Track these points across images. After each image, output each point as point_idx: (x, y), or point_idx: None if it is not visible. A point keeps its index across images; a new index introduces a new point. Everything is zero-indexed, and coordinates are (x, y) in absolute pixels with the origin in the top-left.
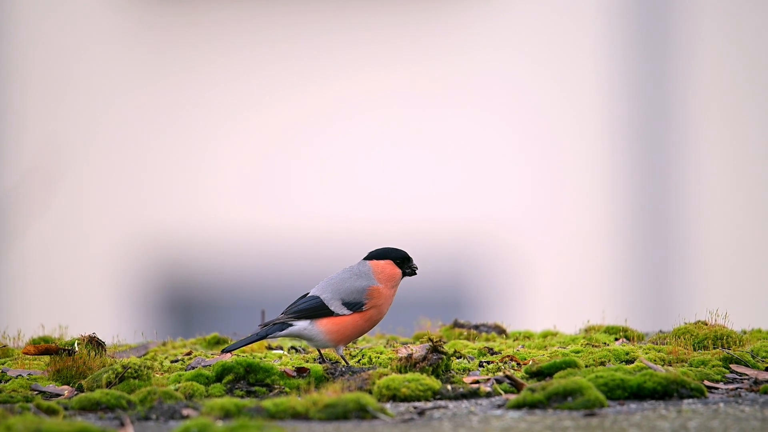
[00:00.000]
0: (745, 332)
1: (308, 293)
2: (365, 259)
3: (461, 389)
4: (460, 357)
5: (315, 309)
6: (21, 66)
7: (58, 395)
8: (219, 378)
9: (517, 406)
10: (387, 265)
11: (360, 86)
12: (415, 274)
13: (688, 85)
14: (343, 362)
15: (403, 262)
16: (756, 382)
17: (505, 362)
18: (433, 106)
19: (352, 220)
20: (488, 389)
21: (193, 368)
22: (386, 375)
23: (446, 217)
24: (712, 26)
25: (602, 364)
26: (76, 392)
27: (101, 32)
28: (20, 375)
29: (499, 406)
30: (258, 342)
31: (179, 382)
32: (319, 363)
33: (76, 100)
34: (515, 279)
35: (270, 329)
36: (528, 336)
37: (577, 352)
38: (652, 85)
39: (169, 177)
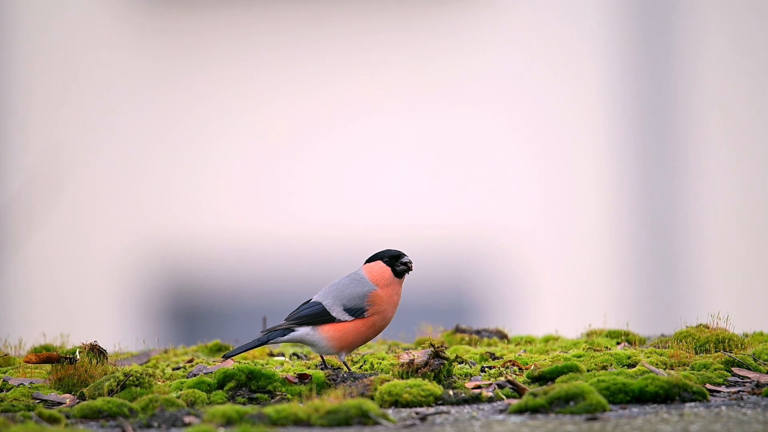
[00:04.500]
0: (746, 335)
1: (310, 299)
2: (363, 264)
3: (463, 394)
4: (462, 362)
5: (317, 315)
6: (22, 74)
7: (59, 404)
8: (221, 385)
9: (519, 411)
10: (375, 265)
11: (361, 90)
12: (410, 269)
13: (691, 86)
14: (345, 368)
15: (392, 260)
16: (758, 385)
17: (507, 367)
18: (434, 110)
19: (356, 226)
20: (490, 394)
21: (195, 375)
22: (388, 381)
23: (449, 222)
24: (716, 24)
25: (604, 368)
26: (77, 400)
27: (102, 40)
28: (22, 384)
29: (501, 411)
30: (260, 348)
31: (181, 390)
32: (321, 369)
33: (80, 108)
34: (517, 283)
35: (271, 335)
36: (530, 341)
37: (579, 356)
38: (655, 88)
39: (172, 184)
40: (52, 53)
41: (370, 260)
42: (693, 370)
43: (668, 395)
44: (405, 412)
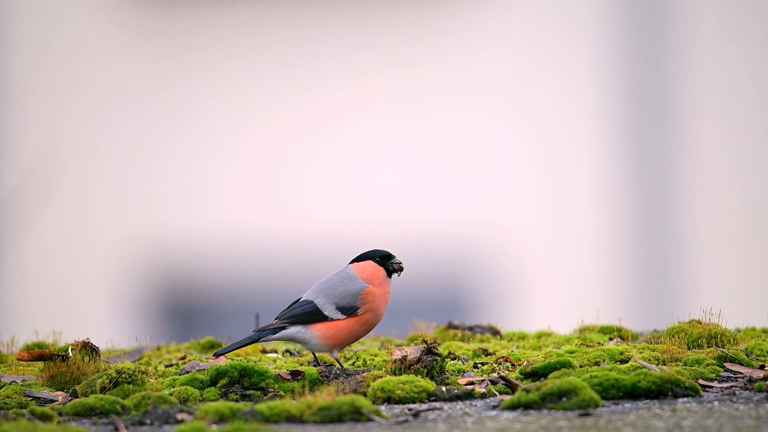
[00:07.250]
0: (739, 331)
1: (301, 298)
2: (349, 264)
3: (456, 390)
4: (455, 358)
5: (309, 314)
6: (19, 70)
7: (52, 401)
8: (213, 382)
9: (512, 407)
10: (367, 265)
11: (360, 90)
12: (402, 269)
13: (686, 83)
14: (337, 365)
15: (383, 260)
16: (750, 380)
17: (500, 363)
18: (430, 110)
19: (350, 224)
20: (483, 390)
21: (188, 372)
22: (381, 377)
23: (441, 219)
24: (711, 22)
25: (597, 364)
26: (70, 398)
27: (100, 37)
28: (14, 381)
29: (494, 407)
30: (252, 345)
31: (174, 387)
32: (314, 366)
33: (75, 103)
34: (510, 280)
35: (262, 333)
36: (522, 337)
37: (572, 352)
38: (650, 85)
39: (167, 182)
40: (49, 49)
41: (358, 260)
42: (685, 365)
43: (661, 391)
44: (398, 408)
